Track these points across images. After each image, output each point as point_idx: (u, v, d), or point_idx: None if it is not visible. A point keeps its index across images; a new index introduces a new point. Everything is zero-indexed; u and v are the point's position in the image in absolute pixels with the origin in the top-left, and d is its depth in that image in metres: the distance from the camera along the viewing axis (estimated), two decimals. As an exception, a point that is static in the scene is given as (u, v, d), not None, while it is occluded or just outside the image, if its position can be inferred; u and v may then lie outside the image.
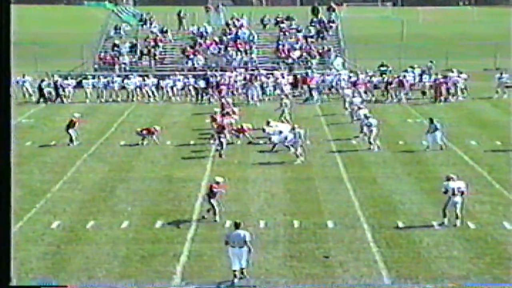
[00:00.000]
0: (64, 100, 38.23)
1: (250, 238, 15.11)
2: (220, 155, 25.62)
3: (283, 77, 39.62)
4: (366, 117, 27.52)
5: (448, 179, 18.33)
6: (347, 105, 33.47)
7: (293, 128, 25.82)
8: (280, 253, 16.38)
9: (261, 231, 17.77)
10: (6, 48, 6.04)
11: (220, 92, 36.27)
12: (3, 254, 6.17)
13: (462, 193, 18.09)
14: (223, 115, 28.76)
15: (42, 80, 38.95)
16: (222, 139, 25.77)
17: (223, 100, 33.81)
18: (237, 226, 15.39)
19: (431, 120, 26.67)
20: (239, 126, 28.19)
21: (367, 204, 19.92)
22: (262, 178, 22.87)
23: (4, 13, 6.02)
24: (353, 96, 34.32)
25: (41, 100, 37.98)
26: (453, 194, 17.94)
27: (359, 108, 29.99)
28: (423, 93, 38.32)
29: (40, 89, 38.39)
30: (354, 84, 37.73)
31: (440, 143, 26.26)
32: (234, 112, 29.27)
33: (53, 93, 38.46)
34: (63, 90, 38.56)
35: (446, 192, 18.07)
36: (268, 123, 27.80)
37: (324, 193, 21.16)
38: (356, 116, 30.09)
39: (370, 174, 23.36)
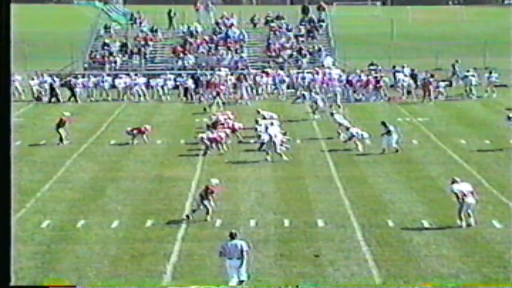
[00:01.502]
0: (76, 99, 38.18)
1: (247, 248, 14.59)
2: (205, 153, 25.69)
3: (280, 76, 39.58)
4: (346, 128, 27.28)
5: (453, 182, 18.26)
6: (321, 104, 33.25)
7: (266, 129, 26.04)
8: (271, 252, 16.37)
9: (252, 230, 17.77)
10: (6, 48, 6.10)
11: (218, 93, 36.10)
12: (3, 254, 6.25)
13: (472, 193, 18.02)
14: (214, 127, 28.23)
15: (54, 81, 38.86)
16: (206, 141, 25.79)
17: (217, 99, 34.03)
18: (232, 236, 14.71)
19: (384, 124, 26.35)
20: (230, 125, 28.15)
21: (358, 203, 19.95)
22: (252, 177, 22.86)
23: (4, 13, 6.09)
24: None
25: (53, 99, 37.94)
26: (464, 195, 17.84)
27: (332, 113, 29.37)
28: (408, 92, 38.47)
29: (52, 88, 38.31)
30: (351, 82, 38.01)
31: (395, 146, 25.53)
32: (229, 117, 29.19)
33: (67, 93, 38.53)
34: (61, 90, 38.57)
35: (457, 196, 17.82)
36: (257, 121, 27.84)
37: (314, 192, 21.18)
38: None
39: (360, 173, 23.40)
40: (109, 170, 24.08)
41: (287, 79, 39.42)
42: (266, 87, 39.31)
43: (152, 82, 39.30)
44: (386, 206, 19.75)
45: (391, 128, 26.00)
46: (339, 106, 34.55)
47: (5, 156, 6.10)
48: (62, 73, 42.33)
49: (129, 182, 22.47)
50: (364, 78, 38.56)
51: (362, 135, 26.52)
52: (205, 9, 50.87)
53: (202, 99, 37.73)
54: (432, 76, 38.42)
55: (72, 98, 38.28)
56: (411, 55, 45.38)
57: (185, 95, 38.58)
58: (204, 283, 14.58)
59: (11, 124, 6.07)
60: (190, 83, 38.55)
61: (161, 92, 39.04)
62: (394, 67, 41.61)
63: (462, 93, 38.82)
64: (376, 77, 38.65)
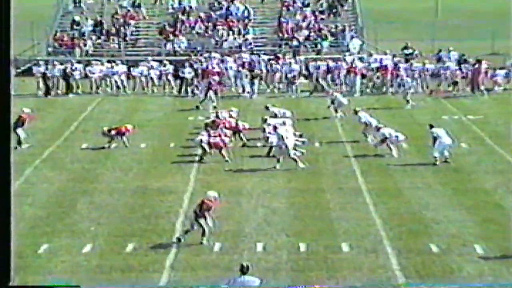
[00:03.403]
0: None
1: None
2: (201, 159, 25.81)
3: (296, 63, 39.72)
4: (377, 128, 27.14)
5: None
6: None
7: (275, 129, 26.11)
8: (282, 283, 16.40)
9: (259, 256, 17.80)
10: (6, 45, 6.79)
11: (210, 85, 35.95)
12: (3, 254, 7.20)
13: None
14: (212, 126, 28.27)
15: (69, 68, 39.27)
16: (204, 145, 25.87)
17: (209, 94, 34.24)
18: (243, 271, 14.51)
19: (431, 126, 26.33)
20: (232, 125, 28.21)
21: (392, 223, 19.96)
22: (259, 190, 22.92)
23: (4, 10, 6.79)
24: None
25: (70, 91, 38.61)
26: None
27: (356, 112, 29.09)
28: (455, 83, 38.46)
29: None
30: (380, 70, 38.19)
31: (436, 155, 25.28)
32: (231, 115, 29.26)
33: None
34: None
35: None
36: (265, 120, 27.88)
37: (337, 208, 21.21)
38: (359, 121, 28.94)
39: (395, 184, 23.44)
40: (80, 180, 24.15)
41: (296, 67, 39.33)
42: (280, 78, 39.35)
43: (134, 70, 39.41)
44: (428, 226, 19.75)
45: (439, 132, 25.74)
46: (407, 102, 34.59)
47: (5, 156, 7.02)
48: (20, 59, 42.47)
49: (105, 195, 22.54)
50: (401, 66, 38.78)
51: (396, 137, 26.52)
52: (200, -22, 51.04)
53: (196, 91, 37.79)
54: (478, 61, 38.32)
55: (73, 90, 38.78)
56: (460, 36, 45.35)
57: (180, 88, 38.53)
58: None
59: (11, 122, 6.31)
60: (187, 72, 38.50)
61: (144, 83, 39.14)
62: (439, 51, 41.66)
63: None
64: (402, 62, 38.83)
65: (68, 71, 38.87)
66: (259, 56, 40.43)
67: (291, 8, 47.59)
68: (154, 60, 40.33)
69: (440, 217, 20.40)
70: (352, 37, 44.91)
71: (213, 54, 40.82)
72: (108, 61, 40.56)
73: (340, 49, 43.77)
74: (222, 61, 39.80)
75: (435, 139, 25.59)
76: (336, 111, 32.61)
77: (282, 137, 25.27)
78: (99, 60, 40.93)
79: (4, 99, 6.81)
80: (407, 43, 42.49)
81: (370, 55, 40.63)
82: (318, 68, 39.36)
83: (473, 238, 18.92)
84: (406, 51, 41.86)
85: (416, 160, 25.95)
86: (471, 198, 21.97)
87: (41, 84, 38.53)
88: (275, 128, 26.48)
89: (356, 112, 29.17)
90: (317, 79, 38.61)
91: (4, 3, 6.65)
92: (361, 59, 40.05)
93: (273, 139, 25.90)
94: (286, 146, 25.05)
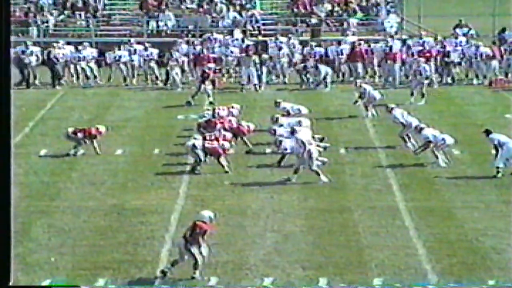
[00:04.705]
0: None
1: None
2: (194, 169, 25.89)
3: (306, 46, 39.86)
4: (418, 129, 26.90)
5: None
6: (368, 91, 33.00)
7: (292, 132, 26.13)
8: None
9: (268, 295, 17.83)
10: (6, 38, 7.52)
11: (204, 75, 35.89)
12: (3, 254, 8.47)
13: None
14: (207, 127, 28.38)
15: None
16: (198, 151, 25.85)
17: (204, 86, 34.28)
18: None
19: (487, 132, 25.99)
20: (233, 125, 28.22)
21: (439, 252, 19.93)
22: (268, 209, 22.92)
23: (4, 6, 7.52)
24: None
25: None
26: None
27: (390, 109, 28.90)
28: None
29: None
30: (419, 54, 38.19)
31: (500, 166, 25.14)
32: (232, 113, 29.33)
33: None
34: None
35: None
36: (276, 120, 27.85)
37: (368, 233, 21.19)
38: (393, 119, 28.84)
39: (443, 202, 23.43)
40: (38, 198, 24.20)
41: (320, 50, 39.44)
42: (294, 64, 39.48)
43: (108, 55, 39.43)
44: (487, 257, 19.70)
45: (501, 139, 25.55)
46: (422, 96, 34.55)
47: (5, 155, 7.72)
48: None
49: (69, 217, 22.53)
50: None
51: (443, 140, 26.41)
52: None
53: (181, 79, 37.84)
54: None
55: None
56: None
57: (167, 78, 38.55)
58: None
59: (11, 119, 7.54)
60: (177, 56, 38.48)
61: (125, 71, 39.14)
62: (502, 30, 41.45)
63: None
64: (444, 46, 38.81)
65: (52, 56, 38.84)
66: (277, 39, 40.43)
67: (309, -25, 47.70)
68: (137, 43, 40.13)
69: (502, 245, 20.32)
70: (388, 12, 44.90)
71: (215, 35, 40.89)
72: (73, 43, 40.55)
73: (372, 27, 43.72)
74: (221, 43, 39.87)
75: (496, 147, 25.30)
76: (366, 108, 32.56)
77: (303, 141, 25.08)
78: (62, 41, 40.90)
79: (4, 93, 7.47)
80: (460, 20, 42.37)
81: (421, 37, 40.41)
82: (340, 52, 39.33)
83: (544, 272, 18.92)
84: (459, 30, 41.70)
85: (471, 171, 25.93)
86: (542, 220, 21.96)
87: None
88: (285, 133, 26.48)
89: (390, 110, 29.07)
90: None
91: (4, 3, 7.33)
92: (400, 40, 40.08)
93: (286, 144, 25.83)
94: (310, 154, 24.82)
